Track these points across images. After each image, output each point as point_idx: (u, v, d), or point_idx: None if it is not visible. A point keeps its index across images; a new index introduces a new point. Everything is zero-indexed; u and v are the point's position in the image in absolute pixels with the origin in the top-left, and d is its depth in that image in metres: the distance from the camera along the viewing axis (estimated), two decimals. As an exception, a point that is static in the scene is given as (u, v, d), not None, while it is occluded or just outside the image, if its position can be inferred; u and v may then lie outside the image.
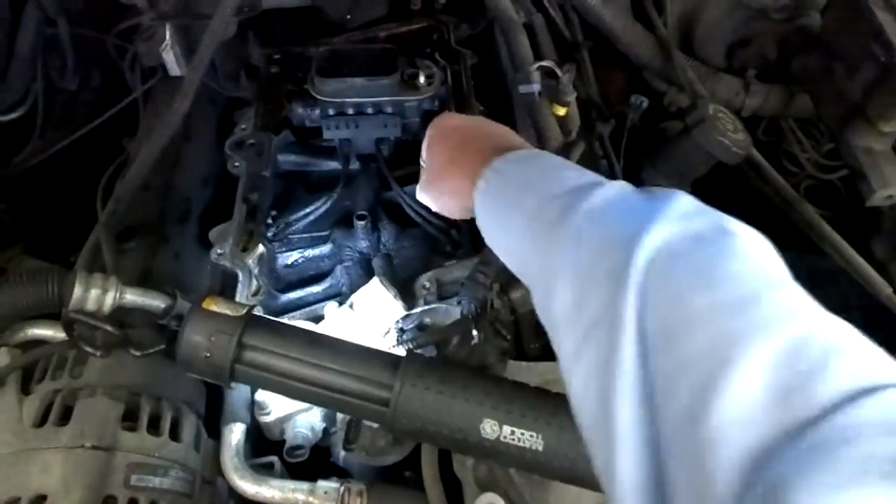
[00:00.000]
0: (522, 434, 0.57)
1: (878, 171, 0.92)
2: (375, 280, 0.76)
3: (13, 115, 1.18)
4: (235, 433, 0.71)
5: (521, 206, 0.51)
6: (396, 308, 0.76)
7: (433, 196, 0.69)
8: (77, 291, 0.71)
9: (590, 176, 0.51)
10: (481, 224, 0.58)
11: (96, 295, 0.72)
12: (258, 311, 0.81)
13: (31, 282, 0.71)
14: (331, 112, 1.00)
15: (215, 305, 0.62)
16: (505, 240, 0.55)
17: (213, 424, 0.74)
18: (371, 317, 0.75)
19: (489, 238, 0.58)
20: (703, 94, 1.04)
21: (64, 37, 1.17)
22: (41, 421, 0.62)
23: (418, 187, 0.72)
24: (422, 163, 0.70)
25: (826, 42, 1.01)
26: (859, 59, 0.93)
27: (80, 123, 1.24)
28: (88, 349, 0.66)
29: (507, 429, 0.57)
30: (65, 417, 0.62)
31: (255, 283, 0.87)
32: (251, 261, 0.88)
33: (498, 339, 0.78)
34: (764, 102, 1.10)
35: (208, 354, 0.57)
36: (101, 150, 1.25)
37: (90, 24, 1.25)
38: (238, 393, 0.74)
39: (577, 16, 1.17)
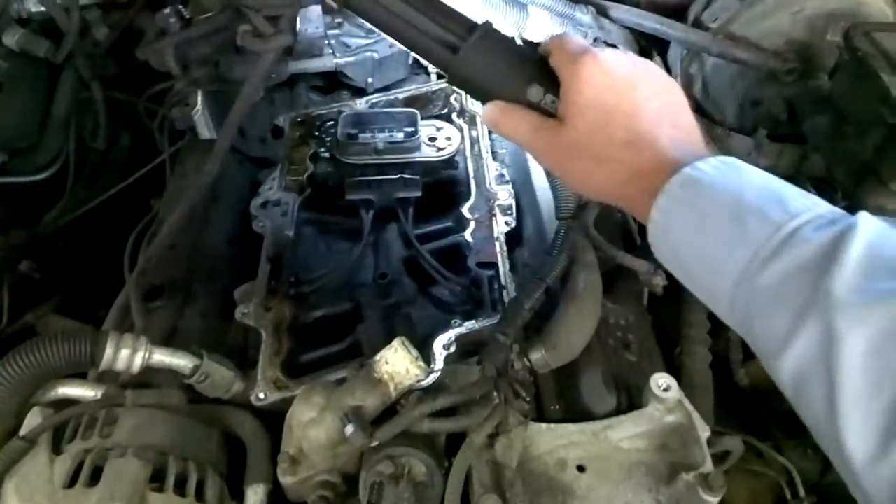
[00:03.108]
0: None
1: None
2: (398, 341, 0.77)
3: (45, 175, 1.23)
4: (259, 494, 0.71)
5: (734, 250, 0.45)
6: (418, 369, 0.76)
7: (570, 169, 0.58)
8: (108, 352, 0.73)
9: (822, 205, 0.46)
10: (660, 253, 0.53)
11: (126, 355, 0.74)
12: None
13: (65, 342, 0.72)
14: (353, 173, 1.03)
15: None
16: (707, 281, 0.49)
17: (236, 485, 0.74)
18: (392, 377, 0.76)
19: (674, 270, 0.52)
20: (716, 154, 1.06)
21: (98, 100, 1.22)
22: (72, 481, 0.63)
23: (540, 140, 0.59)
24: (543, 99, 0.59)
25: (835, 104, 1.04)
26: (868, 121, 0.95)
27: (109, 183, 1.29)
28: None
29: (548, 97, 0.58)
30: (95, 478, 0.63)
31: (277, 341, 0.88)
32: (273, 320, 0.90)
33: (519, 401, 0.78)
34: (776, 162, 1.12)
35: None
36: (129, 210, 1.29)
37: (121, 88, 1.31)
38: (260, 453, 0.75)
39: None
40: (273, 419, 0.80)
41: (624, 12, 1.11)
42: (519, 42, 1.13)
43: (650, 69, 0.58)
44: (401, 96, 1.25)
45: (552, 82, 0.59)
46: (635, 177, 0.53)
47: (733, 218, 0.46)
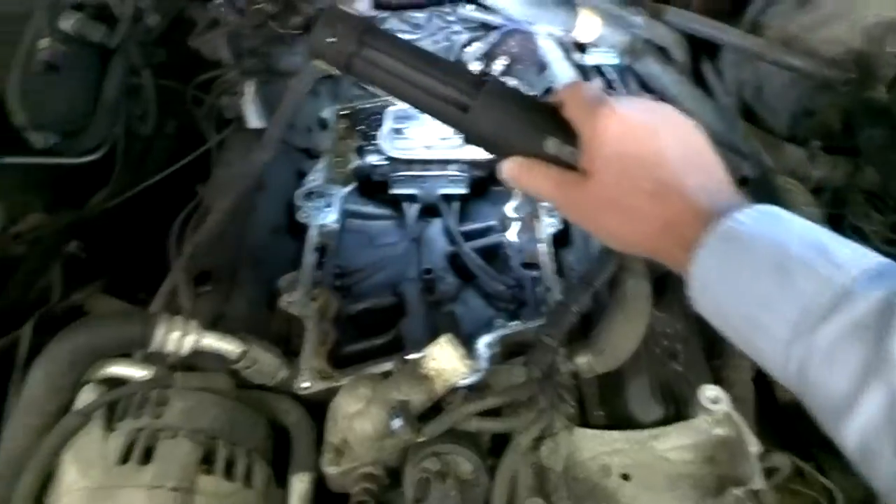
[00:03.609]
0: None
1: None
2: (445, 338, 0.77)
3: (92, 158, 1.24)
4: (304, 482, 0.71)
5: (781, 307, 0.44)
6: (465, 367, 0.76)
7: (599, 223, 0.56)
8: (160, 333, 0.73)
9: (868, 255, 0.44)
10: (702, 307, 0.51)
11: (177, 337, 0.74)
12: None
13: (119, 322, 0.73)
14: (399, 168, 1.03)
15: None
16: (753, 338, 0.47)
17: (280, 474, 0.74)
18: (438, 374, 0.76)
19: (717, 324, 0.51)
20: (769, 164, 1.04)
21: (148, 87, 1.24)
22: (124, 458, 0.63)
23: (564, 196, 0.57)
24: (562, 151, 0.57)
25: (893, 116, 1.02)
26: (927, 134, 0.93)
27: (153, 169, 1.30)
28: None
29: (566, 148, 0.57)
30: (146, 457, 0.63)
31: (321, 331, 0.88)
32: (318, 310, 0.90)
33: (564, 405, 0.78)
34: (830, 174, 1.10)
35: (333, 41, 0.60)
36: (173, 195, 1.30)
37: (169, 76, 1.32)
38: (306, 442, 0.75)
39: (637, 81, 1.20)
40: (315, 408, 0.80)
41: (677, 15, 1.10)
42: (571, 49, 1.12)
43: (668, 114, 0.57)
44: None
45: (568, 133, 0.57)
46: (667, 229, 0.52)
47: (778, 272, 0.45)
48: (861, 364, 0.40)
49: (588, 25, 1.09)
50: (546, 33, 1.09)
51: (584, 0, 1.08)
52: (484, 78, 0.61)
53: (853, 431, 0.41)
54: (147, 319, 0.73)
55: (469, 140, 0.62)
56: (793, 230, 0.47)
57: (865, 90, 1.08)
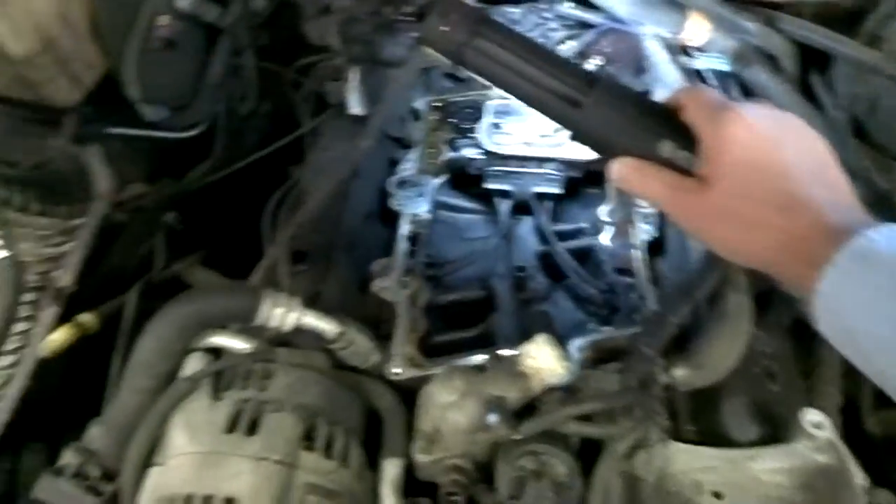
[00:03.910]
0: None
1: None
2: (543, 337, 0.76)
3: (192, 133, 1.29)
4: (396, 468, 0.72)
5: None
6: (562, 368, 0.75)
7: (715, 233, 0.54)
8: (265, 308, 0.75)
9: None
10: (825, 327, 0.49)
11: (281, 313, 0.76)
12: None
13: (228, 294, 0.75)
14: (495, 162, 1.03)
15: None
16: (884, 361, 0.46)
17: (369, 457, 0.75)
18: (536, 373, 0.75)
19: (841, 345, 0.49)
20: (882, 185, 0.99)
21: (250, 68, 1.27)
22: (231, 427, 0.65)
23: (679, 201, 0.55)
24: (676, 156, 0.55)
25: None
26: None
27: (247, 148, 1.33)
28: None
29: (682, 153, 0.55)
30: (251, 428, 0.65)
31: (412, 318, 0.89)
32: (409, 297, 0.90)
33: (660, 417, 0.76)
34: (945, 194, 1.04)
35: (446, 29, 0.59)
36: (265, 175, 1.34)
37: (269, 58, 1.35)
38: (399, 427, 0.75)
39: (740, 89, 1.16)
40: (402, 394, 0.81)
41: (791, 24, 1.05)
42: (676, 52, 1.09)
43: (796, 124, 0.54)
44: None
45: (685, 137, 0.55)
46: (791, 244, 0.49)
47: None
48: None
49: (697, 29, 1.06)
50: (652, 34, 1.06)
51: (694, 2, 1.05)
52: (598, 75, 0.59)
53: None
54: (254, 293, 0.74)
55: (577, 137, 0.61)
56: None
57: None
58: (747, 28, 1.08)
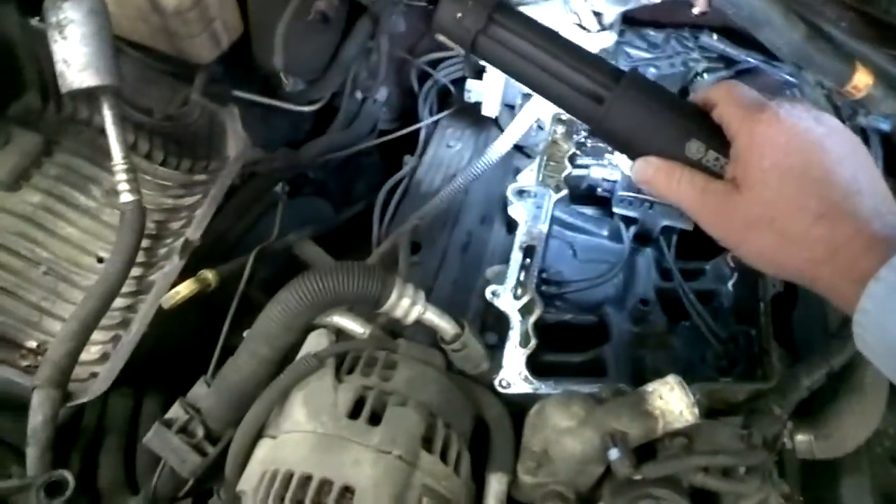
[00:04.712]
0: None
1: None
2: (675, 379, 0.72)
3: (314, 108, 1.29)
4: (502, 484, 0.70)
5: None
6: (691, 415, 0.71)
7: (748, 241, 0.50)
8: (393, 296, 0.74)
9: None
10: (867, 344, 0.46)
11: (406, 304, 0.74)
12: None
13: (359, 276, 0.74)
14: (629, 187, 1.00)
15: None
16: None
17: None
18: (663, 414, 0.71)
19: (883, 365, 0.46)
20: None
21: (381, 53, 1.27)
22: (353, 413, 0.64)
23: (708, 205, 0.52)
24: (705, 157, 0.52)
25: None
26: None
27: (361, 131, 1.34)
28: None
29: (711, 154, 0.52)
30: (374, 418, 0.64)
31: (525, 332, 0.86)
32: (522, 309, 0.88)
33: (781, 483, 0.72)
34: None
35: (460, 15, 0.56)
36: (376, 159, 1.34)
37: (400, 46, 1.35)
38: (507, 442, 0.73)
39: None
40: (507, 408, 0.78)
41: None
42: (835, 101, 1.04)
43: (836, 126, 0.50)
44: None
45: (714, 138, 0.51)
46: (833, 256, 0.46)
47: None
48: None
49: (862, 82, 1.00)
50: (814, 81, 1.02)
51: (865, 53, 0.99)
52: (623, 70, 0.55)
53: None
54: (386, 279, 0.73)
55: (598, 134, 0.57)
56: None
57: None
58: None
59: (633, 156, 0.56)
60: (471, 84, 1.08)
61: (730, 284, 0.93)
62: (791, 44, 1.00)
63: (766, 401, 0.76)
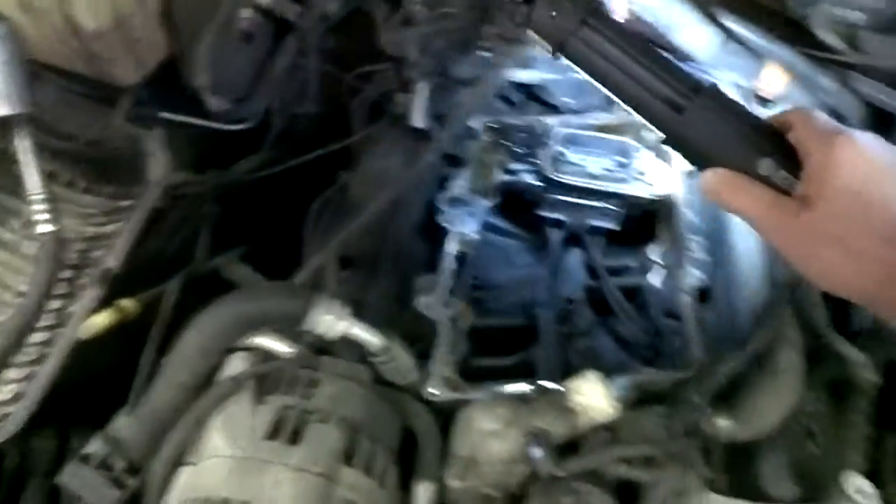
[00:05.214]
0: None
1: None
2: (594, 375, 0.74)
3: (243, 127, 1.28)
4: (429, 492, 0.70)
5: None
6: (612, 408, 0.73)
7: (812, 256, 0.52)
8: (317, 313, 0.74)
9: None
10: None
11: (331, 320, 0.75)
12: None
13: (280, 295, 0.74)
14: (553, 191, 1.02)
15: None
16: None
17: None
18: (584, 410, 0.73)
19: None
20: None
21: (312, 70, 1.26)
22: (272, 434, 0.63)
23: (775, 219, 0.53)
24: (776, 175, 0.54)
25: None
26: None
27: (292, 148, 1.33)
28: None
29: (782, 173, 0.53)
30: (294, 437, 0.63)
31: (454, 340, 0.87)
32: (453, 317, 0.89)
33: (700, 466, 0.74)
34: None
35: (555, 14, 0.57)
36: (309, 177, 1.33)
37: (333, 62, 1.35)
38: (434, 451, 0.73)
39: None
40: (437, 416, 0.79)
41: (870, 87, 1.03)
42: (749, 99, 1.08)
43: None
44: (594, 122, 1.22)
45: (788, 158, 0.53)
46: (894, 278, 0.48)
47: None
48: None
49: (774, 80, 1.04)
50: (729, 81, 1.05)
51: (776, 53, 1.03)
52: (704, 83, 0.57)
53: None
54: (307, 297, 0.73)
55: (671, 143, 0.59)
56: None
57: None
58: (823, 85, 1.06)
59: (703, 167, 0.57)
60: (399, 97, 1.09)
61: (653, 279, 0.96)
62: (705, 45, 1.04)
63: (687, 389, 0.78)
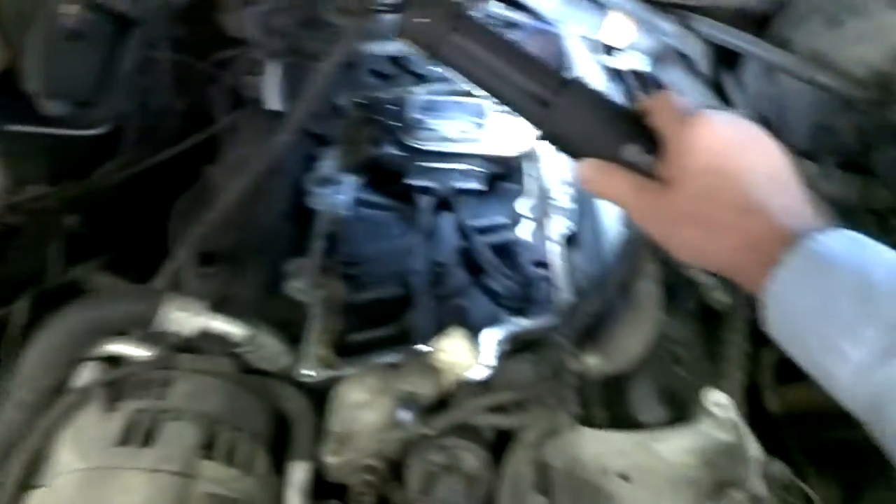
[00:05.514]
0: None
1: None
2: (455, 331, 0.76)
3: (98, 131, 1.22)
4: (302, 471, 0.70)
5: (862, 330, 0.43)
6: (474, 360, 0.75)
7: (677, 235, 0.54)
8: (166, 312, 0.72)
9: None
10: (773, 326, 0.49)
11: (183, 317, 0.73)
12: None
13: (123, 299, 0.72)
14: (415, 158, 1.02)
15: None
16: (826, 361, 0.46)
17: (278, 461, 0.73)
18: (450, 367, 0.74)
19: (788, 346, 0.49)
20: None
21: (164, 61, 1.21)
22: (124, 440, 0.61)
23: (642, 203, 0.55)
24: (640, 160, 0.55)
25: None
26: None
27: (160, 147, 1.28)
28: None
29: (645, 157, 0.55)
30: (146, 439, 0.62)
31: (327, 319, 0.87)
32: (324, 297, 0.88)
33: (570, 404, 0.77)
34: (842, 191, 1.09)
35: (425, 23, 0.58)
36: (176, 174, 1.28)
37: (184, 52, 1.29)
38: (307, 431, 0.73)
39: (656, 88, 1.19)
40: (316, 396, 0.79)
41: (708, 26, 1.08)
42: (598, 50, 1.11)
43: (758, 134, 0.55)
44: (463, 86, 1.23)
45: (650, 141, 0.56)
46: (750, 247, 0.50)
47: (861, 296, 0.44)
48: None
49: (618, 29, 1.07)
50: (575, 34, 1.08)
51: (614, 2, 1.06)
52: (569, 78, 0.60)
53: None
54: (153, 298, 0.71)
55: (544, 137, 0.61)
56: (879, 256, 0.46)
57: (885, 111, 1.07)
58: (664, 29, 1.10)
59: (575, 157, 0.59)
60: (250, 80, 1.06)
61: (522, 232, 0.98)
62: (550, 2, 1.06)
63: (554, 333, 0.81)
